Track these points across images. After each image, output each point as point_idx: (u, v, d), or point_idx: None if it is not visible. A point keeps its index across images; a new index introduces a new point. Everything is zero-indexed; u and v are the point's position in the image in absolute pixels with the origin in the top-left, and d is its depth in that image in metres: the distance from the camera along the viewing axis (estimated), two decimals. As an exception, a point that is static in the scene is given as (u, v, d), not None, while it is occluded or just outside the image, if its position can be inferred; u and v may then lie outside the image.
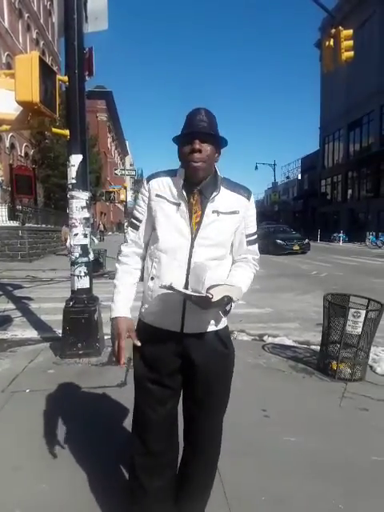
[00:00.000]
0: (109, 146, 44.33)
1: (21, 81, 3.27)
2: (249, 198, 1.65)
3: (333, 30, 8.67)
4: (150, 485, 1.67)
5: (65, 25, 3.92)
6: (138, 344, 1.62)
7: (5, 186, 19.58)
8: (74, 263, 4.17)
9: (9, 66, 21.92)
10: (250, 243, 1.70)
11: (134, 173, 28.12)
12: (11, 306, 6.95)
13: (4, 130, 3.90)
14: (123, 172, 22.70)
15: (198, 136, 1.50)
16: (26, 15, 26.68)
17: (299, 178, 48.10)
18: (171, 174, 1.61)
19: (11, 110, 3.67)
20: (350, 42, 8.56)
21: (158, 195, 1.59)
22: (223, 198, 1.58)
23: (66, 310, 4.15)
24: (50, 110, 3.56)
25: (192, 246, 1.54)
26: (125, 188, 23.43)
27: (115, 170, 24.71)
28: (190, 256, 1.54)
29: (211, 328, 1.62)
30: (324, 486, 2.19)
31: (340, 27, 8.64)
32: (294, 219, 46.11)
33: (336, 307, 3.72)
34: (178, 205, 1.56)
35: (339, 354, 3.62)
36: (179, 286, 1.45)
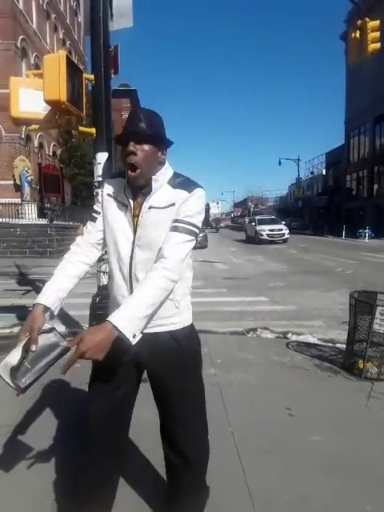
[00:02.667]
0: (133, 143, 44.71)
1: (49, 80, 3.33)
2: (191, 191, 1.49)
3: (359, 22, 8.48)
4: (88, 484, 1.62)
5: (91, 23, 3.97)
6: (33, 349, 1.44)
7: (34, 185, 20.07)
8: (100, 260, 4.23)
9: (37, 67, 22.38)
10: (174, 229, 1.46)
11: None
12: (39, 301, 7.12)
13: (33, 129, 4.00)
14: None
15: (131, 137, 1.44)
16: (53, 16, 27.17)
17: (324, 173, 47.16)
18: (121, 175, 1.60)
19: (40, 110, 3.75)
20: (377, 34, 8.36)
21: (109, 194, 1.59)
22: (162, 195, 1.50)
23: (92, 306, 4.23)
24: (77, 109, 3.62)
25: (133, 248, 1.51)
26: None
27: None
28: (131, 258, 1.51)
29: (164, 329, 1.54)
30: (349, 487, 2.16)
31: (366, 18, 8.43)
32: (319, 215, 45.30)
33: (363, 305, 3.64)
34: (126, 206, 1.54)
35: (366, 353, 3.55)
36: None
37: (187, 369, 1.59)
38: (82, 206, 24.20)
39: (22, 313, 6.29)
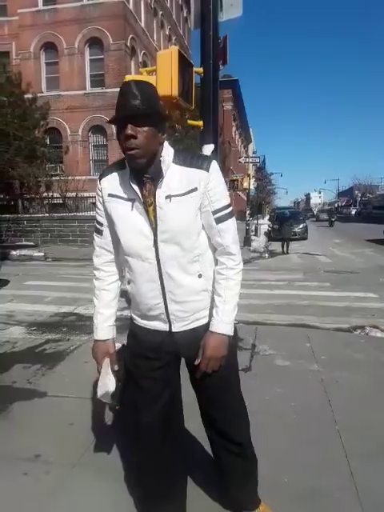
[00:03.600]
0: (233, 135, 44.62)
1: (162, 76, 3.48)
2: (208, 169, 1.37)
3: None
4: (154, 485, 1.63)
5: (201, 16, 4.03)
6: (116, 368, 1.60)
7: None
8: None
9: (145, 64, 23.53)
10: (219, 221, 1.42)
11: (257, 160, 27.82)
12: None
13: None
14: (247, 160, 22.61)
15: (129, 119, 1.26)
16: (160, 13, 28.18)
17: None
18: (120, 166, 1.43)
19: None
20: None
21: (110, 194, 1.42)
22: (175, 179, 1.36)
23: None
24: (187, 103, 3.72)
25: (156, 245, 1.38)
26: (248, 176, 23.34)
27: (239, 158, 24.71)
28: (157, 255, 1.40)
29: (200, 323, 1.52)
30: None
31: None
32: None
33: None
34: (133, 201, 1.38)
35: None
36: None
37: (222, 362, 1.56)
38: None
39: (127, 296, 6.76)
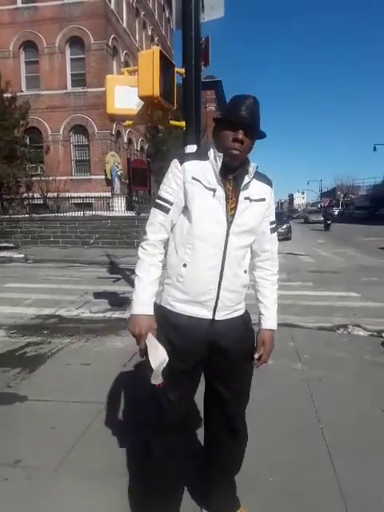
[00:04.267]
0: (217, 135, 44.77)
1: (143, 76, 3.45)
2: (271, 187, 1.68)
3: None
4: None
5: (182, 17, 4.03)
6: (153, 345, 1.56)
7: (123, 179, 21.15)
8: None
9: (127, 64, 23.41)
10: (273, 230, 1.73)
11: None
12: (129, 288, 7.52)
13: (127, 125, 4.19)
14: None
15: (243, 127, 1.47)
16: (142, 13, 28.10)
17: None
18: (201, 157, 1.56)
19: (133, 106, 3.92)
20: None
21: (194, 178, 1.52)
22: (253, 186, 1.59)
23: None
24: (169, 103, 3.71)
25: (228, 234, 1.54)
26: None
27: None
28: (226, 243, 1.54)
29: (238, 313, 1.66)
30: None
31: None
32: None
33: None
34: (214, 190, 1.52)
35: None
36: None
37: (251, 351, 1.69)
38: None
39: (114, 299, 6.72)
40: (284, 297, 6.97)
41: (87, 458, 2.28)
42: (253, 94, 1.53)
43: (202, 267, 1.54)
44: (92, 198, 18.43)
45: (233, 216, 1.54)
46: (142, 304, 1.56)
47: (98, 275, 9.38)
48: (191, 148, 3.72)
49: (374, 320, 5.39)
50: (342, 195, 73.99)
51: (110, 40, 22.43)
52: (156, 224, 1.59)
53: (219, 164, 1.52)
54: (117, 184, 20.58)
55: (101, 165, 22.02)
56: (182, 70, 3.98)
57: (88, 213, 17.09)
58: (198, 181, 1.52)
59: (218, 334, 1.59)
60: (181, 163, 1.55)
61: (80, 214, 16.96)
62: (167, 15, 34.20)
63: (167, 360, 1.51)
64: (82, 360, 3.83)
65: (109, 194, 19.87)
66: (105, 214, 17.42)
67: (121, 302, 6.54)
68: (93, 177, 22.46)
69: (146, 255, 1.59)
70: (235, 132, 1.47)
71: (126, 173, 20.02)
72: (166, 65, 3.57)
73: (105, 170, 21.74)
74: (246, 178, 1.57)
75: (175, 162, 1.56)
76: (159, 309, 1.62)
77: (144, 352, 1.55)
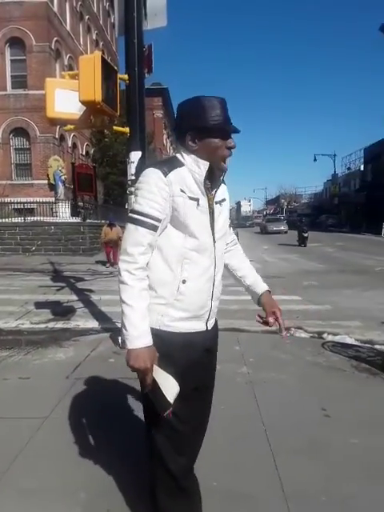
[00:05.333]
0: (164, 142, 44.97)
1: (84, 81, 3.39)
2: (225, 184, 1.65)
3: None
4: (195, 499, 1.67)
5: (125, 23, 4.01)
6: (161, 376, 1.44)
7: (68, 184, 20.58)
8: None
9: (71, 68, 22.91)
10: (229, 225, 1.74)
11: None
12: (74, 297, 7.31)
13: (68, 129, 4.09)
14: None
15: (233, 133, 1.46)
16: (87, 17, 27.67)
17: (362, 169, 45.71)
18: (178, 164, 1.46)
19: (75, 110, 3.83)
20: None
21: (182, 190, 1.42)
22: (221, 188, 1.59)
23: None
24: (111, 109, 3.67)
25: (214, 241, 1.52)
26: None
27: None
28: (215, 252, 1.53)
29: (215, 317, 1.65)
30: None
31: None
32: (356, 212, 43.95)
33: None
34: (198, 200, 1.45)
35: (407, 355, 3.39)
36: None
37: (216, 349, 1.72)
38: (114, 204, 24.63)
39: (57, 308, 6.48)
40: (231, 302, 7.09)
41: (25, 477, 2.16)
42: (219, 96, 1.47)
43: (202, 281, 1.50)
44: (34, 203, 17.74)
45: (213, 223, 1.52)
46: (141, 336, 1.38)
47: (39, 284, 9.02)
48: (136, 154, 3.65)
49: (315, 322, 5.64)
50: (285, 203, 77.01)
51: (53, 42, 21.83)
52: (145, 244, 1.40)
53: (204, 172, 1.44)
54: (61, 189, 19.97)
55: (43, 169, 21.26)
56: (125, 77, 3.96)
57: (30, 219, 16.41)
58: (184, 192, 1.43)
59: (210, 340, 1.62)
60: (165, 174, 1.40)
61: (21, 219, 16.25)
62: (112, 20, 33.93)
63: (178, 388, 1.44)
64: (20, 374, 3.65)
65: (52, 200, 19.21)
66: (48, 219, 16.84)
67: (65, 311, 6.32)
68: (35, 181, 21.61)
69: (136, 280, 1.40)
70: (228, 140, 1.45)
71: (70, 178, 19.49)
72: (108, 70, 3.53)
73: (48, 175, 21.04)
74: (220, 184, 1.56)
75: (158, 174, 1.40)
76: (155, 334, 1.45)
77: (153, 387, 1.41)
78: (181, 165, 1.45)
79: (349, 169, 50.30)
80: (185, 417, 1.52)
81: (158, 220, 1.41)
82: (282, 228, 30.79)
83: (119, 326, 4.73)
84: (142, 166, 4.09)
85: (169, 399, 1.42)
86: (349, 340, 4.65)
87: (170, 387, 1.43)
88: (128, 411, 2.90)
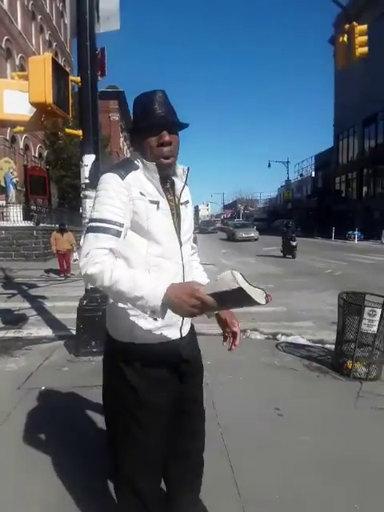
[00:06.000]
0: (121, 145, 44.56)
1: (34, 82, 3.30)
2: (187, 185, 1.55)
3: (347, 26, 8.52)
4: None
5: (77, 25, 3.95)
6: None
7: (19, 187, 19.84)
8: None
9: (22, 68, 22.18)
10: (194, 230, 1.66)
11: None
12: (26, 304, 7.05)
13: (18, 131, 3.96)
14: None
15: (166, 126, 1.36)
16: (39, 17, 26.97)
17: (313, 175, 47.62)
18: (133, 167, 1.40)
19: (25, 112, 3.72)
20: (365, 38, 8.39)
21: (141, 193, 1.36)
22: (185, 188, 1.51)
23: (79, 309, 4.20)
24: (63, 111, 3.59)
25: (180, 245, 1.45)
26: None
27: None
28: (182, 256, 1.45)
29: (190, 323, 1.59)
30: (339, 486, 2.17)
31: (354, 23, 8.48)
32: (308, 217, 45.66)
33: (351, 305, 3.67)
34: (158, 203, 1.38)
35: (354, 353, 3.57)
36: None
37: (200, 358, 1.68)
38: (69, 208, 24.05)
39: (8, 316, 6.22)
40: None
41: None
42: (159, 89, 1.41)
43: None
44: (-17, 206, 16.97)
45: (179, 225, 1.45)
46: (155, 288, 1.20)
47: (-10, 291, 8.62)
48: (89, 157, 3.61)
49: (270, 324, 5.78)
50: (242, 207, 78.59)
51: (4, 41, 21.08)
52: (107, 249, 1.28)
53: (155, 174, 1.38)
54: (12, 192, 19.17)
55: (-7, 172, 20.38)
56: (78, 79, 3.89)
57: (-22, 223, 15.68)
58: (143, 195, 1.36)
59: (185, 349, 1.51)
60: (122, 177, 1.34)
61: (-32, 224, 15.49)
62: (66, 21, 33.27)
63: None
64: (-32, 386, 3.46)
65: (3, 203, 18.45)
66: (-2, 223, 16.16)
67: (16, 319, 6.08)
68: (-16, 184, 20.67)
69: (105, 263, 1.24)
70: (159, 135, 1.35)
71: (22, 180, 18.82)
72: (59, 72, 3.46)
73: (-3, 177, 20.19)
74: (179, 183, 1.48)
75: (115, 177, 1.34)
76: (122, 347, 1.41)
77: (220, 303, 1.16)
78: (136, 168, 1.39)
79: (301, 175, 52.31)
80: (153, 432, 1.44)
81: (121, 225, 1.31)
82: (253, 235, 27.11)
83: (74, 332, 4.61)
84: (96, 170, 4.03)
85: (255, 297, 1.15)
86: (301, 340, 4.81)
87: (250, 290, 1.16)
88: (82, 421, 2.83)
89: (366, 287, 6.61)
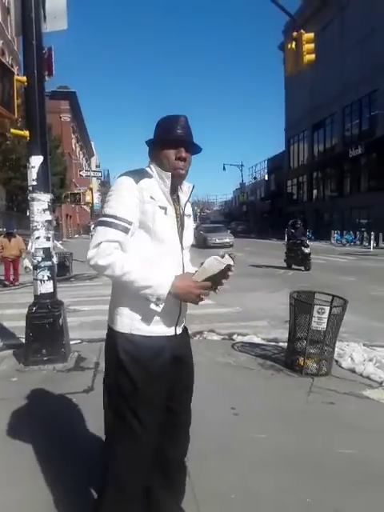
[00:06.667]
0: (73, 147, 43.57)
1: (-24, 80, 3.15)
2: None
3: (295, 33, 8.84)
4: None
5: (22, 24, 3.81)
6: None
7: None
8: (36, 267, 4.05)
9: (-34, 66, 21.09)
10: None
11: (100, 174, 27.64)
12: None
13: None
14: (89, 173, 22.34)
15: (185, 145, 1.55)
16: (-16, 13, 25.79)
17: (266, 178, 48.95)
18: (147, 175, 1.57)
19: (-33, 111, 3.54)
20: (312, 45, 8.73)
21: (152, 197, 1.52)
22: (187, 206, 1.70)
23: (28, 316, 4.03)
24: (8, 111, 3.45)
25: (182, 249, 1.62)
26: (91, 190, 23.05)
27: (80, 171, 24.24)
28: (182, 259, 1.62)
29: (185, 323, 1.71)
30: (293, 481, 2.23)
31: (302, 30, 8.80)
32: (262, 219, 46.87)
33: (301, 304, 3.79)
34: (165, 209, 1.55)
35: (306, 350, 3.69)
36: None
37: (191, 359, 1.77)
38: (18, 211, 23.15)
39: None
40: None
41: None
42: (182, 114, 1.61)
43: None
44: None
45: (181, 233, 1.62)
46: (163, 278, 1.45)
47: None
48: (37, 159, 3.52)
49: (226, 324, 5.86)
50: (198, 210, 79.30)
51: None
52: (116, 242, 1.45)
53: (168, 183, 1.55)
54: None
55: None
56: (24, 79, 3.75)
57: None
58: (154, 199, 1.52)
59: (180, 347, 1.64)
60: (136, 181, 1.50)
61: None
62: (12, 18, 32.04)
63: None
64: None
65: None
66: None
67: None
68: None
69: (116, 255, 1.44)
70: (177, 150, 1.54)
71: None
72: (3, 71, 3.32)
73: None
74: (183, 197, 1.65)
75: (129, 180, 1.50)
76: (123, 338, 1.53)
77: (212, 284, 1.52)
78: (150, 176, 1.56)
79: (255, 178, 53.62)
80: (149, 425, 1.54)
81: (130, 222, 1.47)
82: (227, 240, 23.98)
83: (23, 341, 4.44)
84: (44, 171, 3.89)
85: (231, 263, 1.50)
86: (256, 339, 4.91)
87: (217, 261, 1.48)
88: (33, 432, 2.72)
89: (317, 286, 6.88)
